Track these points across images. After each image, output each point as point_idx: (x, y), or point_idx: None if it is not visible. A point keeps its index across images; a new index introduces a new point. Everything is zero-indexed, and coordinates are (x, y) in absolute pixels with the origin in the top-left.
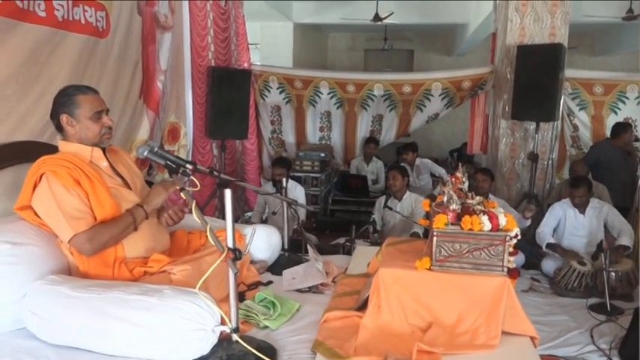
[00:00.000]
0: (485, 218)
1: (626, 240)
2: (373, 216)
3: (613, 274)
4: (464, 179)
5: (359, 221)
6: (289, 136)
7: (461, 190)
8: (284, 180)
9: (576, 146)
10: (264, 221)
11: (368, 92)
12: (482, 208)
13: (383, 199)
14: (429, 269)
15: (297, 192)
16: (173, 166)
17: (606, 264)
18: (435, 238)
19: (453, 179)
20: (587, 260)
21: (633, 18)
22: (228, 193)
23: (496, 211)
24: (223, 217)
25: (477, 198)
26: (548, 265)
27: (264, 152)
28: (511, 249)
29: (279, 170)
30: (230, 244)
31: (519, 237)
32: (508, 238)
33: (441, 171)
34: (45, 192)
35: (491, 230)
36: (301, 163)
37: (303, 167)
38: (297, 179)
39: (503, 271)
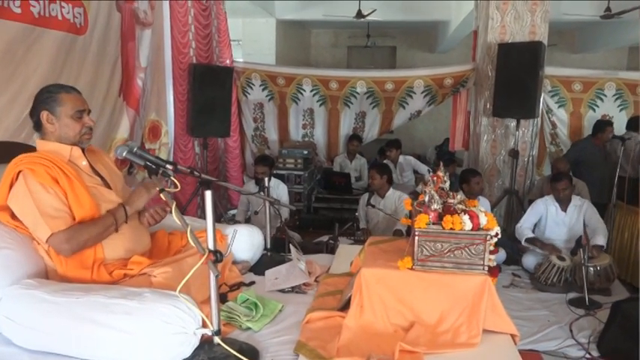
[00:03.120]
0: (466, 218)
1: (600, 239)
2: (357, 214)
3: (592, 269)
4: (445, 178)
5: (342, 219)
6: (272, 134)
7: (442, 189)
8: (266, 179)
9: (555, 143)
10: (248, 219)
11: (351, 89)
12: (464, 207)
13: (366, 196)
14: (411, 269)
15: (280, 190)
16: (153, 166)
17: (585, 259)
18: (416, 238)
19: (435, 178)
20: (566, 256)
21: (611, 16)
22: (208, 194)
23: (476, 210)
24: (205, 217)
25: (459, 197)
26: (529, 260)
27: (247, 150)
28: (492, 247)
29: (261, 168)
30: (211, 246)
31: (499, 236)
32: (489, 237)
33: (423, 169)
34: (22, 190)
35: (472, 229)
36: (284, 161)
37: (286, 165)
38: (281, 177)
39: (484, 269)
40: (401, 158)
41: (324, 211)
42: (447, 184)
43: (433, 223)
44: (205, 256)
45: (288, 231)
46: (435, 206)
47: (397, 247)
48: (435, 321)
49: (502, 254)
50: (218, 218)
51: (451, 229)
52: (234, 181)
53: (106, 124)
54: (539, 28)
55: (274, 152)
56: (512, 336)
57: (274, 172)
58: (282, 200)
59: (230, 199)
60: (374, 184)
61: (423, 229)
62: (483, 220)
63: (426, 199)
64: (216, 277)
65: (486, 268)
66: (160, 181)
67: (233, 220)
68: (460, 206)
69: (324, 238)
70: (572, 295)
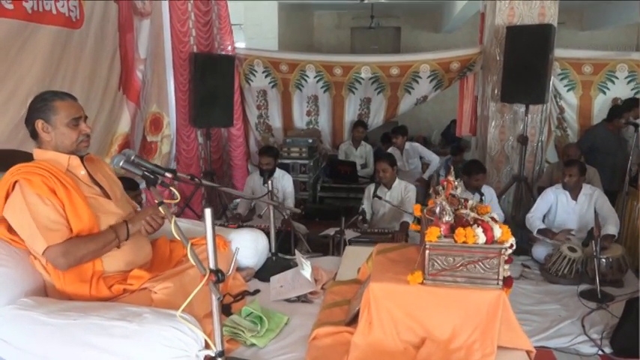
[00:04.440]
0: (479, 230)
1: (612, 229)
2: (362, 206)
3: (603, 260)
4: (456, 184)
5: (348, 208)
6: (276, 121)
7: (453, 196)
8: (269, 183)
9: (562, 128)
10: (252, 209)
11: (355, 75)
12: (476, 216)
13: (372, 187)
14: (422, 283)
15: (285, 181)
16: (151, 176)
17: (597, 251)
18: (427, 252)
19: (445, 183)
20: (577, 247)
21: None
22: (208, 213)
23: (490, 221)
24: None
25: (470, 202)
26: (539, 251)
27: (251, 138)
28: (506, 257)
29: (266, 159)
30: (212, 266)
31: (514, 247)
32: (503, 250)
33: (430, 156)
34: (18, 201)
35: (485, 243)
36: (289, 150)
37: (291, 154)
38: (285, 166)
39: (498, 284)
40: (407, 145)
41: (330, 201)
42: (459, 190)
43: (445, 236)
44: (206, 277)
45: (293, 223)
46: (446, 218)
47: (406, 256)
48: (447, 337)
49: None
50: (224, 208)
51: (464, 242)
52: (238, 170)
53: (106, 119)
54: (548, 9)
55: (278, 140)
56: (528, 352)
57: (279, 161)
58: (287, 191)
59: (235, 189)
60: (386, 176)
61: (434, 242)
62: (497, 232)
63: (437, 210)
64: (218, 299)
65: (501, 282)
66: (159, 193)
67: (236, 212)
68: (472, 215)
69: (331, 232)
70: (583, 286)
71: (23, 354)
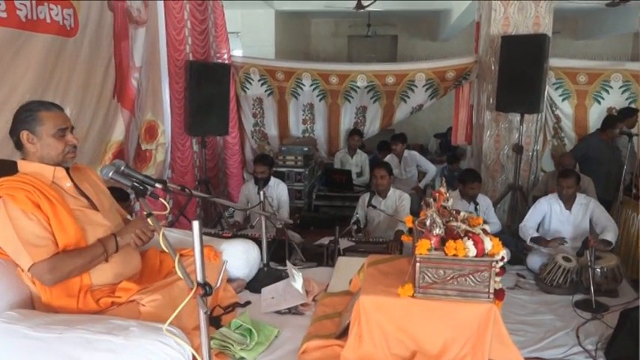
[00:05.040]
0: (470, 243)
1: (610, 236)
2: (357, 215)
3: (598, 270)
4: (447, 196)
5: (343, 216)
6: (272, 129)
7: (444, 207)
8: (262, 194)
9: (558, 137)
10: (247, 218)
11: (351, 83)
12: (467, 228)
13: (367, 196)
14: (413, 296)
15: (279, 190)
16: (140, 187)
17: (592, 261)
18: (417, 264)
19: (437, 195)
20: (572, 256)
21: (617, 4)
22: (196, 225)
23: (481, 233)
24: (205, 225)
25: (462, 214)
26: (534, 260)
27: (247, 146)
28: (497, 270)
29: (261, 168)
30: (199, 279)
31: (506, 260)
32: (494, 263)
33: (427, 165)
34: (2, 217)
35: (476, 256)
36: (284, 158)
37: (286, 162)
38: (281, 175)
39: (489, 297)
40: (406, 152)
41: (325, 209)
42: (450, 202)
43: (435, 249)
44: (194, 290)
45: (288, 232)
46: (437, 231)
47: (398, 268)
48: (438, 351)
49: (506, 253)
50: (219, 217)
51: (454, 255)
52: (234, 178)
53: (100, 127)
54: (543, 19)
55: (274, 148)
56: None
57: (274, 169)
58: (282, 200)
59: (230, 197)
60: (383, 184)
61: (424, 255)
62: (488, 245)
63: (428, 222)
64: (205, 313)
65: (492, 296)
66: (148, 205)
67: (232, 221)
68: (464, 227)
69: (325, 241)
70: (578, 296)
71: None
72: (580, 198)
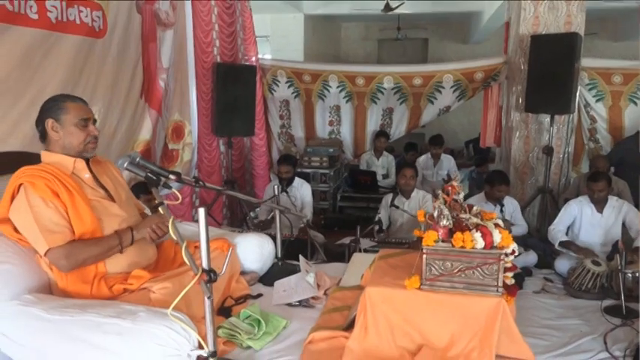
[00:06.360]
0: (478, 235)
1: None
2: (379, 215)
3: (629, 275)
4: (460, 190)
5: (367, 218)
6: (298, 131)
7: (456, 201)
8: (275, 187)
9: (594, 139)
10: (271, 217)
11: (377, 85)
12: (478, 222)
13: (389, 196)
14: (419, 288)
15: (303, 190)
16: (153, 178)
17: (622, 265)
18: (424, 256)
19: (449, 188)
20: (602, 260)
21: None
22: (201, 212)
23: (491, 226)
24: (231, 225)
25: (475, 208)
26: (562, 264)
27: (274, 147)
28: (508, 265)
29: (285, 168)
30: (205, 265)
31: (517, 253)
32: (503, 256)
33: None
34: (22, 203)
35: (484, 248)
36: (309, 159)
37: (312, 163)
38: (305, 176)
39: (497, 291)
40: (442, 156)
41: (350, 210)
42: (461, 196)
43: (442, 240)
44: (198, 276)
45: (310, 232)
46: (444, 222)
47: (408, 262)
48: (445, 344)
49: (533, 257)
50: (244, 217)
51: (462, 247)
52: (260, 179)
53: (127, 127)
54: (575, 18)
55: (300, 150)
56: None
57: (299, 170)
58: (305, 200)
59: (256, 197)
60: (411, 184)
61: (430, 246)
62: (497, 237)
63: (435, 214)
64: (209, 298)
65: (500, 289)
66: (158, 193)
67: (257, 220)
68: (474, 220)
69: (346, 240)
70: (607, 302)
71: (21, 348)
72: (612, 201)
